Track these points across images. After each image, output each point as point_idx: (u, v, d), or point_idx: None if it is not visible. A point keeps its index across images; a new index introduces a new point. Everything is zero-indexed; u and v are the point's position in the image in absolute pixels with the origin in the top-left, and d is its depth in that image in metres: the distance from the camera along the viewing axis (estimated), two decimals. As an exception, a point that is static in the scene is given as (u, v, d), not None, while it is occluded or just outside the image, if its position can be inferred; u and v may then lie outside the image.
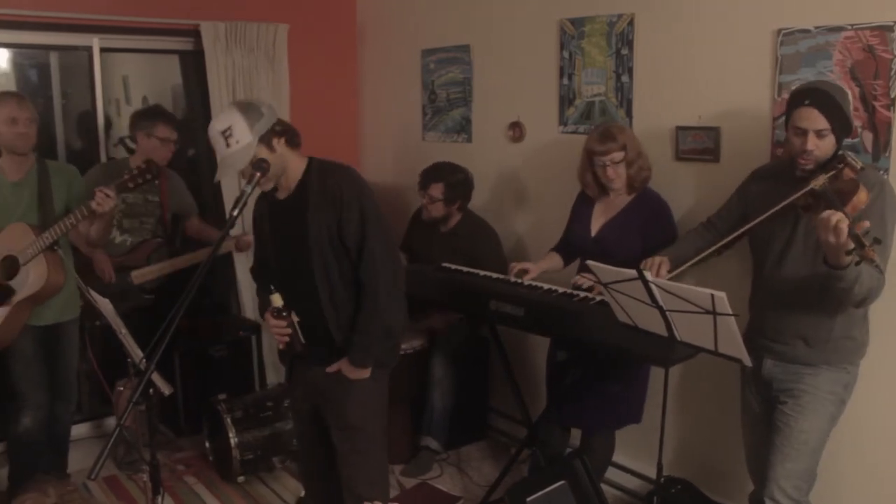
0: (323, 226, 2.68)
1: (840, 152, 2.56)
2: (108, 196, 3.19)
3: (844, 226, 2.22)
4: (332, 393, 2.83)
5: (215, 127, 2.58)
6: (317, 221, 2.69)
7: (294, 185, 2.74)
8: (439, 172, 4.17)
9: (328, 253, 2.70)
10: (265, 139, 2.60)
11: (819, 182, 2.47)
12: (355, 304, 2.75)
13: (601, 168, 3.31)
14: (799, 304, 2.70)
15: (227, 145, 2.56)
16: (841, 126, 2.57)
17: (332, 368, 2.81)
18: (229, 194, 4.67)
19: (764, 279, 2.81)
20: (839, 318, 2.67)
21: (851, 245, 2.21)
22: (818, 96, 2.56)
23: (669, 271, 2.87)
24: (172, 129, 4.16)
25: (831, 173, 2.49)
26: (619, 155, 3.26)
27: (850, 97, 2.66)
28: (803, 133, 2.57)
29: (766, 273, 2.79)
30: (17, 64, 4.60)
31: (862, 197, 2.39)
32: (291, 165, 2.71)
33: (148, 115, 4.19)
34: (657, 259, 2.93)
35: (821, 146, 2.57)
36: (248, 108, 2.60)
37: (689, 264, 2.85)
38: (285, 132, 2.67)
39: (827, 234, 2.28)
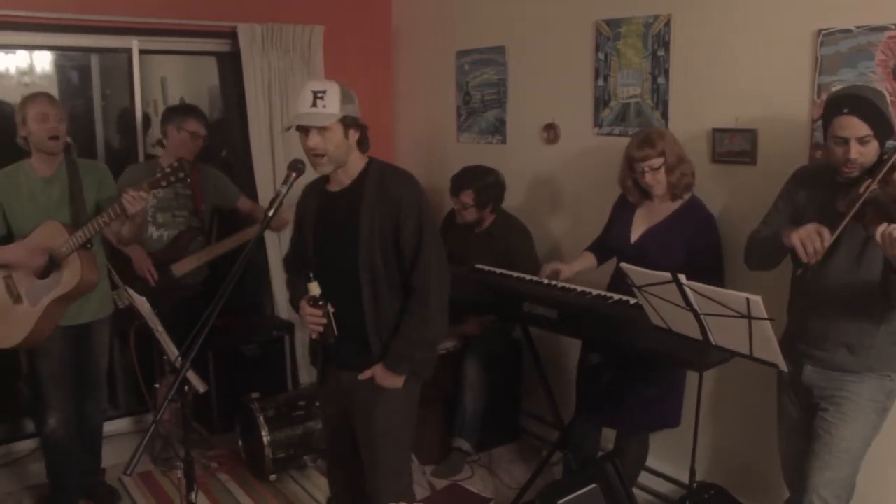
0: (376, 226, 2.67)
1: (885, 155, 2.50)
2: (141, 197, 3.24)
3: None
4: (362, 400, 2.79)
5: (311, 86, 2.65)
6: (370, 221, 2.68)
7: (350, 182, 2.75)
8: (468, 178, 4.17)
9: (376, 254, 2.68)
10: (347, 123, 2.65)
11: (869, 189, 2.40)
12: (397, 310, 2.74)
13: (640, 174, 3.27)
14: (842, 311, 2.65)
15: (314, 104, 2.61)
16: (883, 130, 2.52)
17: (364, 375, 2.76)
18: (264, 194, 4.72)
19: (805, 285, 2.75)
20: (884, 324, 2.62)
21: None
22: (857, 103, 2.51)
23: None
24: (202, 125, 4.21)
25: (879, 176, 2.41)
26: (657, 161, 3.22)
27: (888, 97, 2.60)
28: (845, 142, 2.52)
29: (808, 279, 2.72)
30: (58, 66, 4.68)
31: None
32: (352, 161, 2.73)
33: (179, 111, 4.26)
34: (812, 227, 2.52)
35: (865, 152, 2.51)
36: (347, 90, 2.68)
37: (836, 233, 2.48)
38: (363, 130, 2.74)
39: (894, 249, 2.24)
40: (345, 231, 2.72)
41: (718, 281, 3.21)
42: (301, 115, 2.62)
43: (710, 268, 3.21)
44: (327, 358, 2.91)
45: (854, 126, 2.50)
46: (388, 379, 2.73)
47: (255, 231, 2.62)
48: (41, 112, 3.36)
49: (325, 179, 2.79)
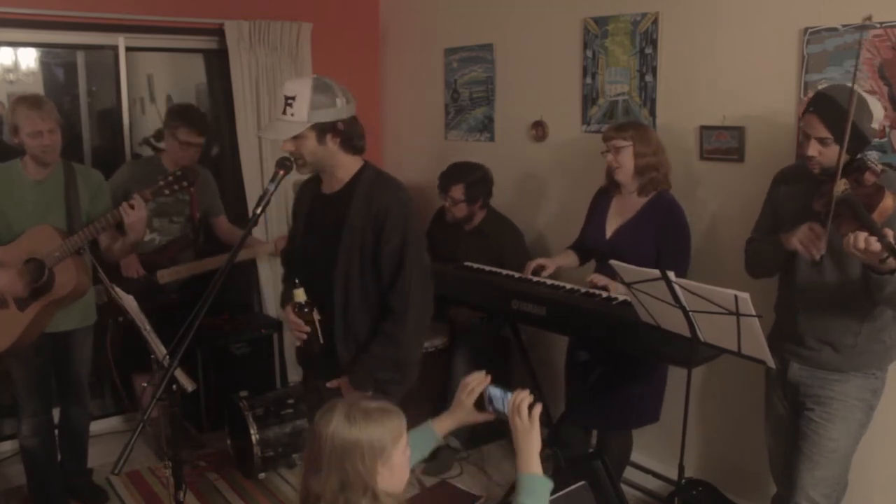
0: (357, 238, 2.57)
1: (860, 155, 2.50)
2: (139, 205, 3.22)
3: (874, 244, 2.21)
4: None
5: (285, 89, 2.52)
6: (352, 231, 2.58)
7: (340, 187, 2.65)
8: (457, 173, 4.16)
9: (354, 266, 2.59)
10: (320, 129, 2.51)
11: (840, 188, 2.40)
12: (368, 323, 2.64)
13: (605, 154, 3.33)
14: (827, 309, 2.66)
15: (284, 111, 2.50)
16: (843, 136, 2.44)
17: (332, 384, 2.68)
18: (252, 192, 4.71)
19: (791, 283, 2.77)
20: (867, 322, 2.63)
21: (885, 254, 2.20)
22: (824, 105, 2.52)
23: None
24: (196, 134, 4.09)
25: (852, 177, 2.42)
26: (621, 143, 3.26)
27: (874, 108, 2.54)
28: (808, 138, 2.57)
29: (794, 277, 2.75)
30: (44, 63, 4.65)
31: (888, 203, 2.33)
32: (342, 166, 2.62)
33: (173, 115, 4.14)
34: (806, 227, 2.55)
35: (824, 153, 2.54)
36: (322, 90, 2.50)
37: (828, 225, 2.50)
38: (345, 134, 2.57)
39: (861, 255, 2.26)
40: (328, 237, 2.64)
41: (681, 269, 3.21)
42: (272, 122, 2.52)
43: (674, 254, 3.24)
44: (308, 363, 2.87)
45: (813, 125, 2.54)
46: (351, 393, 2.62)
47: (247, 232, 2.57)
48: (34, 130, 3.27)
49: (319, 178, 2.73)
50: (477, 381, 2.09)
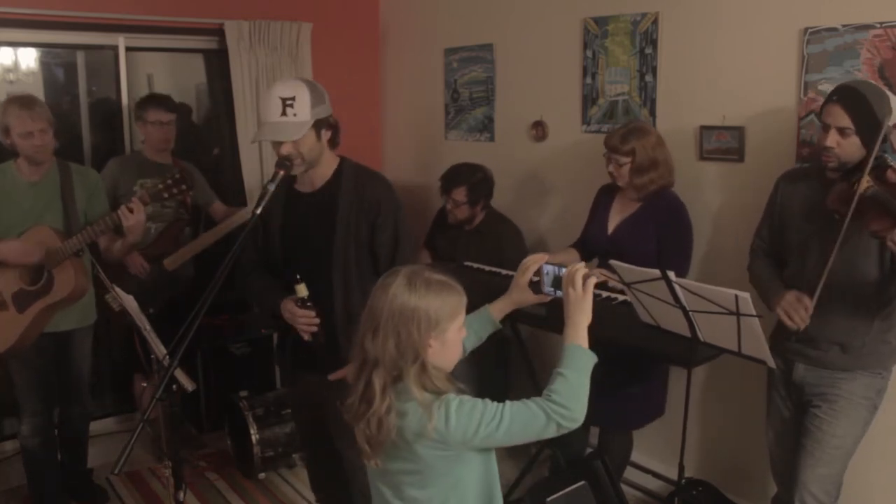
0: (351, 230, 2.63)
1: (879, 154, 2.50)
2: (138, 209, 3.22)
3: None
4: (332, 402, 2.64)
5: (278, 91, 2.53)
6: (346, 225, 2.63)
7: (321, 183, 2.69)
8: (459, 176, 4.13)
9: (351, 259, 2.64)
10: (318, 126, 2.59)
11: (864, 186, 2.39)
12: None
13: (607, 160, 3.32)
14: (835, 309, 2.64)
15: (284, 113, 2.51)
16: (868, 128, 2.48)
17: (335, 375, 2.64)
18: (252, 191, 4.71)
19: (800, 283, 2.71)
20: (877, 322, 2.63)
21: None
22: (848, 94, 2.52)
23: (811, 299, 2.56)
24: (164, 111, 4.14)
25: (873, 174, 2.41)
26: (623, 159, 3.25)
27: (894, 105, 2.53)
28: (827, 129, 2.55)
29: (802, 277, 2.71)
30: (44, 63, 4.65)
31: None
32: (324, 161, 2.68)
33: (140, 104, 4.19)
34: (792, 297, 2.63)
35: (843, 145, 2.52)
36: (315, 89, 2.58)
37: (819, 289, 2.53)
38: (334, 128, 2.67)
39: None
40: (319, 233, 2.67)
41: (681, 267, 3.21)
42: (271, 125, 2.53)
43: (675, 253, 3.23)
44: (295, 364, 2.86)
45: (836, 115, 2.52)
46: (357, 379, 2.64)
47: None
48: (24, 131, 3.26)
49: (290, 179, 2.72)
50: (533, 260, 2.15)
